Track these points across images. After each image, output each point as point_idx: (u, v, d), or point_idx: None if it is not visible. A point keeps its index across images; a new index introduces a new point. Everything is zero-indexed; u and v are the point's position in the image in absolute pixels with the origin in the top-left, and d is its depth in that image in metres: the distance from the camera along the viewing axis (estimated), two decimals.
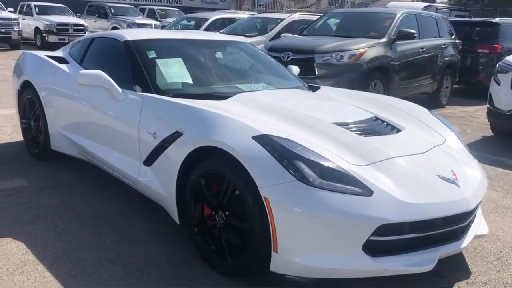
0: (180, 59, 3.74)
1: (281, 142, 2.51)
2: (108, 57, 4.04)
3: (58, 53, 4.78)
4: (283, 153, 2.45)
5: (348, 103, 3.56)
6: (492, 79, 6.27)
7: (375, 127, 3.09)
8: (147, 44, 3.79)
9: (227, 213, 2.65)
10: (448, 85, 9.23)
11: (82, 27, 18.43)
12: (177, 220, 3.01)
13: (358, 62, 6.79)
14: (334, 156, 2.54)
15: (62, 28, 17.89)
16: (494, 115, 6.08)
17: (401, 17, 7.85)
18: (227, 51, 4.23)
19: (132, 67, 3.58)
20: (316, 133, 2.78)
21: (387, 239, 2.40)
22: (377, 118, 3.23)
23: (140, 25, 19.02)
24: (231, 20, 12.20)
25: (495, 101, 6.05)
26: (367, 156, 2.64)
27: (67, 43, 18.14)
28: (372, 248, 2.37)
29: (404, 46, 7.66)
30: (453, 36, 9.39)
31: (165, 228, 3.26)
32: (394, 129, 3.11)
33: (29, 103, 4.64)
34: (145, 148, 3.19)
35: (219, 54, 4.12)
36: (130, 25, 19.08)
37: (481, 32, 10.50)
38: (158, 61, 3.65)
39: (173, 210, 3.00)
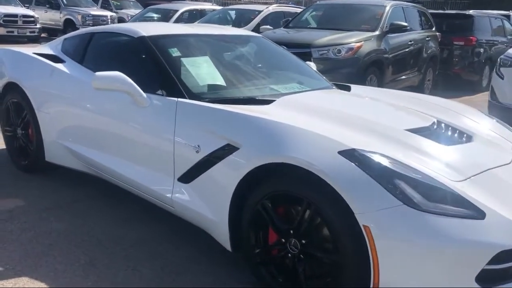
0: (207, 58, 3.29)
1: (374, 157, 2.14)
2: (118, 55, 3.52)
3: (45, 49, 4.17)
4: (380, 171, 2.09)
5: (399, 104, 3.23)
6: (493, 72, 6.15)
7: (447, 133, 2.78)
8: (168, 41, 3.30)
9: (303, 241, 2.26)
10: (430, 77, 9.17)
11: (32, 19, 17.23)
12: (228, 247, 2.58)
13: (356, 56, 6.51)
14: (432, 171, 2.20)
15: (10, 20, 16.63)
16: (499, 109, 5.95)
17: (391, 9, 7.65)
18: (250, 47, 3.80)
19: (155, 68, 3.09)
20: (396, 144, 2.42)
21: (500, 267, 2.09)
22: (439, 122, 2.92)
23: (95, 17, 18.02)
24: (202, 12, 11.65)
25: (498, 96, 5.92)
26: (462, 170, 2.31)
27: (16, 36, 17.14)
28: (485, 278, 2.06)
29: (395, 39, 7.47)
30: (433, 29, 9.31)
31: (212, 254, 2.82)
32: (463, 135, 2.80)
33: (15, 108, 4.03)
34: (182, 163, 2.74)
35: (243, 51, 3.68)
36: (85, 17, 18.05)
37: (456, 24, 10.52)
38: (184, 60, 3.18)
39: (223, 235, 2.58)
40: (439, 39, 9.40)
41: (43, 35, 18.21)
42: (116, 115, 3.15)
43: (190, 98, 2.86)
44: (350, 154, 2.14)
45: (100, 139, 3.30)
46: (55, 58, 3.85)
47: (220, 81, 3.12)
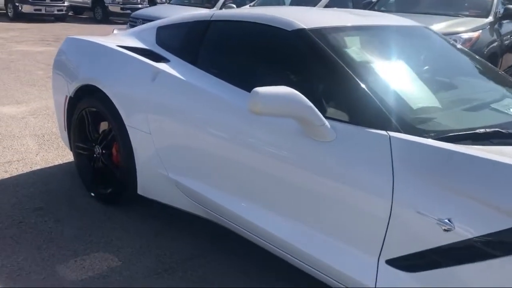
0: (402, 62, 2.22)
1: None
2: (257, 57, 2.45)
3: (127, 40, 3.14)
4: None
5: None
6: None
7: None
8: (343, 37, 2.24)
9: None
10: None
11: None
12: None
13: (474, 49, 5.36)
14: None
15: None
16: None
17: None
18: (432, 45, 2.71)
19: (332, 79, 2.04)
20: None
21: None
22: None
23: None
24: None
25: None
26: None
27: (43, 14, 16.07)
28: None
29: (506, 27, 6.30)
30: None
31: None
32: None
33: (94, 119, 3.02)
34: (403, 238, 1.71)
35: (425, 50, 2.60)
36: None
37: None
38: (373, 67, 2.12)
39: None
40: None
41: (70, 13, 17.22)
42: (265, 147, 2.11)
43: (405, 132, 1.81)
44: None
45: (234, 177, 2.26)
46: (152, 55, 2.81)
47: (433, 101, 2.06)
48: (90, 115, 3.02)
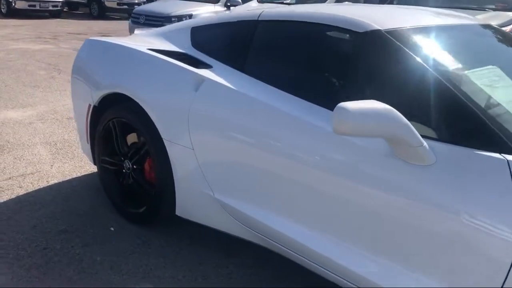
0: (497, 69, 1.93)
1: None
2: (323, 64, 2.15)
3: (155, 41, 2.83)
4: None
5: None
6: None
7: None
8: (424, 39, 1.95)
9: None
10: None
11: None
12: None
13: None
14: None
15: None
16: None
17: None
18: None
19: (430, 92, 1.74)
20: None
21: None
22: None
23: None
24: None
25: None
26: None
27: (38, 10, 15.62)
28: None
29: None
30: None
31: None
32: None
33: (123, 131, 2.72)
34: None
35: (499, 52, 2.32)
36: None
37: None
38: (472, 75, 1.83)
39: None
40: None
41: (64, 9, 16.78)
42: (341, 169, 1.81)
43: None
44: None
45: (299, 202, 1.96)
46: (190, 60, 2.50)
47: None
48: (119, 126, 2.71)
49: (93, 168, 3.55)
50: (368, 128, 1.54)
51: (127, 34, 12.16)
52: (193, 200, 2.41)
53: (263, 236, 2.17)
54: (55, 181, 3.34)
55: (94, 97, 2.79)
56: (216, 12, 9.12)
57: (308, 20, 2.19)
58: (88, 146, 2.99)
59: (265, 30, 2.33)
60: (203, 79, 2.28)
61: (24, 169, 3.50)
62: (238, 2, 9.09)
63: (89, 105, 2.85)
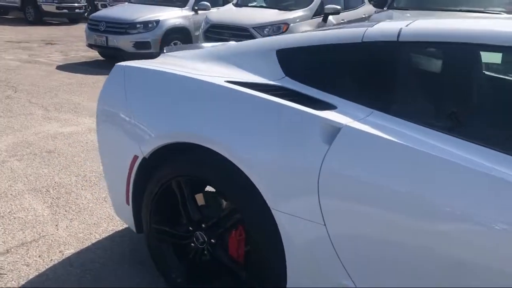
0: None
1: None
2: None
3: (218, 68, 2.13)
4: None
5: None
6: None
7: None
8: None
9: None
10: None
11: None
12: None
13: None
14: None
15: None
16: None
17: None
18: None
19: None
20: None
21: None
22: None
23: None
24: None
25: None
26: None
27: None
28: None
29: None
30: None
31: None
32: None
33: (192, 193, 1.99)
34: None
35: None
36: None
37: None
38: None
39: None
40: None
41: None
42: None
43: None
44: None
45: None
46: (297, 97, 1.82)
47: None
48: (187, 187, 1.98)
49: (114, 225, 2.78)
50: None
51: (75, 42, 10.99)
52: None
53: None
54: (72, 250, 2.54)
55: (144, 147, 2.04)
56: (185, 17, 8.33)
57: (487, 42, 1.58)
58: (129, 209, 2.22)
59: (414, 54, 1.70)
60: (337, 126, 1.61)
61: (23, 235, 2.67)
62: (207, 5, 8.34)
63: (135, 157, 2.09)
